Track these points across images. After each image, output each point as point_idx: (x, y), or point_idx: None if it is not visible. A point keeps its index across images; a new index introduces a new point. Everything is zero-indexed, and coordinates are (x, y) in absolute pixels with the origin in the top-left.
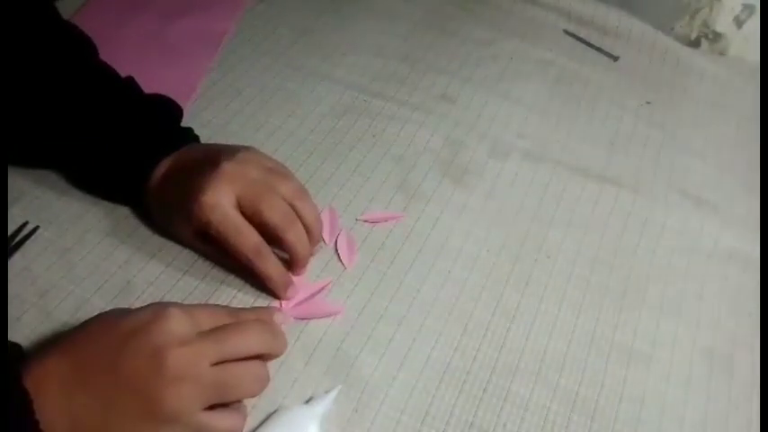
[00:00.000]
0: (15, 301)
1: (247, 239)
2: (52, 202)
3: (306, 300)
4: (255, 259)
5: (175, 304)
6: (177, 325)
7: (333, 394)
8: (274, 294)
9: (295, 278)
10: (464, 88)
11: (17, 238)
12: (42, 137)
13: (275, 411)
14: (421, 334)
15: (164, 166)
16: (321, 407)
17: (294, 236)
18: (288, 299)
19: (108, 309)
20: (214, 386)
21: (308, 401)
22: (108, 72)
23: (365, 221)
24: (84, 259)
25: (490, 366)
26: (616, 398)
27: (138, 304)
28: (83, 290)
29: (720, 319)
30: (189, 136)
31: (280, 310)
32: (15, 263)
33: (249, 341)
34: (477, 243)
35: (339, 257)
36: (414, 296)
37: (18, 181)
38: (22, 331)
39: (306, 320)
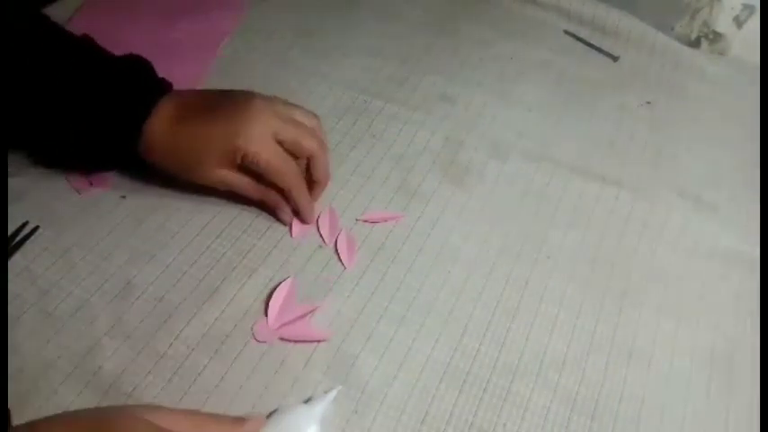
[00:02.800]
0: (15, 301)
1: (294, 172)
2: (52, 202)
3: (293, 321)
4: (298, 188)
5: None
6: None
7: (332, 394)
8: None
9: (283, 298)
10: (464, 88)
11: (17, 238)
12: (22, 109)
13: (274, 411)
14: (421, 334)
15: (164, 110)
16: (320, 407)
17: (326, 160)
18: (312, 222)
19: (107, 310)
20: None
21: (306, 401)
22: (65, 35)
23: (365, 221)
24: (84, 259)
25: (490, 366)
26: (616, 398)
27: (138, 304)
28: (83, 290)
29: (720, 319)
30: (170, 85)
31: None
32: (15, 263)
33: None
34: (477, 243)
35: (339, 257)
36: (414, 296)
37: (18, 181)
38: (22, 331)
39: (291, 343)
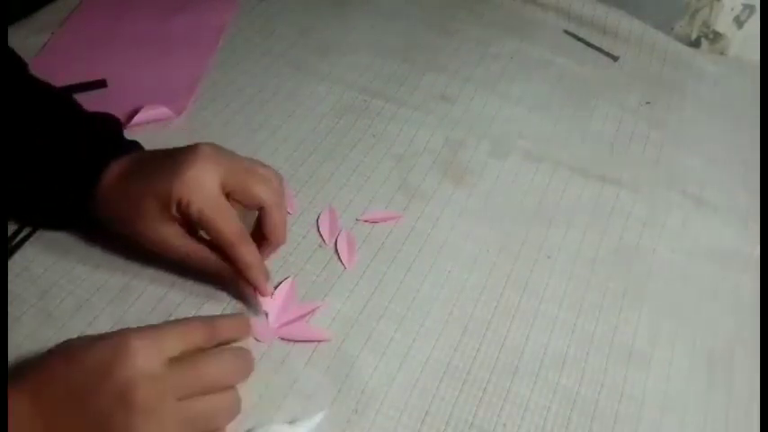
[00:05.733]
0: (15, 301)
1: (232, 222)
2: None
3: (292, 321)
4: (239, 243)
5: (139, 333)
6: (142, 360)
7: (317, 418)
8: (251, 305)
9: (283, 298)
10: (464, 88)
11: (17, 239)
12: None
13: (252, 429)
14: (421, 334)
15: (116, 168)
16: (303, 429)
17: (281, 215)
18: (269, 294)
19: (107, 310)
20: (185, 423)
21: (291, 422)
22: (42, 86)
23: (365, 221)
24: (84, 259)
25: (490, 366)
26: (616, 398)
27: (138, 304)
28: (83, 290)
29: (720, 319)
30: (134, 144)
31: (267, 293)
32: (15, 263)
33: (221, 373)
34: (477, 243)
35: (339, 257)
36: (414, 296)
37: None
38: (22, 331)
39: (290, 343)
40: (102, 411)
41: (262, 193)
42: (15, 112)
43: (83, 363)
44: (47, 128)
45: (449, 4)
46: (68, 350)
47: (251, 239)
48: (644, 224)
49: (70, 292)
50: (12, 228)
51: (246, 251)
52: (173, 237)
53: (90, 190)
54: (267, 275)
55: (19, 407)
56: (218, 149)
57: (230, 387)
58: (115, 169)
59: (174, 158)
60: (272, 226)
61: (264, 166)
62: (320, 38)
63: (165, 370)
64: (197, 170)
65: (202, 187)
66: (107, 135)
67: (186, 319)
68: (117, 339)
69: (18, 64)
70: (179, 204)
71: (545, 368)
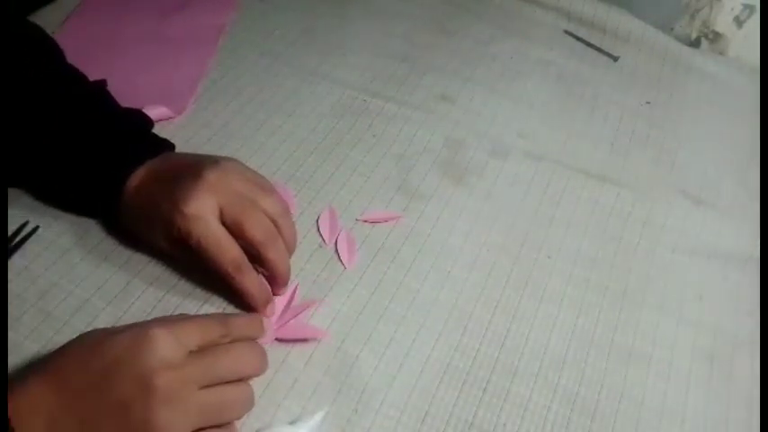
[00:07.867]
0: (15, 301)
1: (228, 253)
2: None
3: (289, 320)
4: (235, 274)
5: (160, 323)
6: (163, 348)
7: (318, 416)
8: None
9: (284, 305)
10: (464, 88)
11: (17, 239)
12: (8, 146)
13: (256, 431)
14: (421, 334)
15: (139, 175)
16: (305, 429)
17: (275, 254)
18: (269, 315)
19: (107, 310)
20: (203, 411)
21: (292, 422)
22: (77, 78)
23: (365, 221)
24: (84, 259)
25: (490, 366)
26: (616, 398)
27: (137, 304)
28: (83, 290)
29: (720, 319)
30: (164, 144)
31: (266, 315)
32: (15, 263)
33: (238, 364)
34: (477, 243)
35: (339, 257)
36: (414, 296)
37: None
38: (23, 331)
39: (290, 343)
40: (124, 398)
41: (253, 232)
42: (49, 101)
43: (105, 351)
44: (81, 121)
45: (449, 4)
46: (89, 340)
47: (250, 267)
48: (644, 224)
49: (70, 292)
50: (12, 228)
51: (243, 280)
52: (175, 252)
53: (117, 193)
54: (267, 300)
55: (44, 397)
56: (222, 176)
57: (245, 380)
58: (139, 175)
59: (181, 184)
60: (266, 264)
61: (269, 192)
62: (320, 38)
63: (185, 359)
64: (197, 203)
65: (201, 219)
66: (139, 135)
67: (202, 316)
68: (139, 329)
69: (55, 52)
70: (179, 233)
71: (545, 368)
